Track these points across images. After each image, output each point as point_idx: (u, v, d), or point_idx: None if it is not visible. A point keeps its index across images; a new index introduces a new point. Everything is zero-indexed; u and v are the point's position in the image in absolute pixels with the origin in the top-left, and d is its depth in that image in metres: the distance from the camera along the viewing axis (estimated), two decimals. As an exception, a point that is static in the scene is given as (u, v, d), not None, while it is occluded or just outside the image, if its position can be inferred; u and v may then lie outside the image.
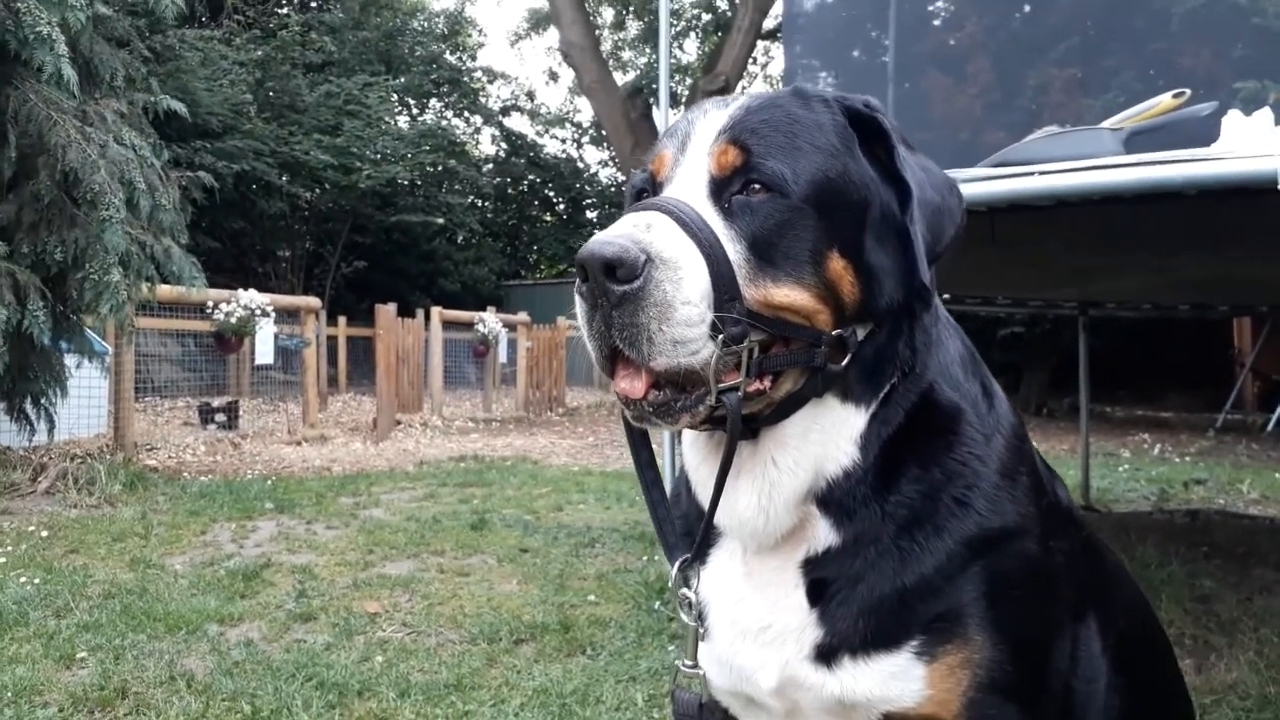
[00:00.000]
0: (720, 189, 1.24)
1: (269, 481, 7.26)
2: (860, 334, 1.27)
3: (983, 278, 5.39)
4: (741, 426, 1.21)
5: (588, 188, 31.16)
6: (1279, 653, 3.47)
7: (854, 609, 1.29)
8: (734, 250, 1.18)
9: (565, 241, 29.71)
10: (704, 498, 1.36)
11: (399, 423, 12.94)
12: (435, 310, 14.93)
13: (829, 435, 1.28)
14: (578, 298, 1.20)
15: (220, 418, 11.37)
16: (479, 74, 28.76)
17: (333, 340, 17.69)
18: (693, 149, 1.28)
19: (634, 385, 1.18)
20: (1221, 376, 14.81)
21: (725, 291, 1.15)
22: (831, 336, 1.22)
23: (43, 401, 7.15)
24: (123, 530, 5.34)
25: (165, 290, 8.33)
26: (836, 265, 1.23)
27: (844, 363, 1.25)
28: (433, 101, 26.87)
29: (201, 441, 9.97)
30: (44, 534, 5.19)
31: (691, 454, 1.42)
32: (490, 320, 15.50)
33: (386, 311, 13.12)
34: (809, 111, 1.30)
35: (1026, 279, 5.74)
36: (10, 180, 6.41)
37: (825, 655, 1.29)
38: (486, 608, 4.17)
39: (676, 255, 1.14)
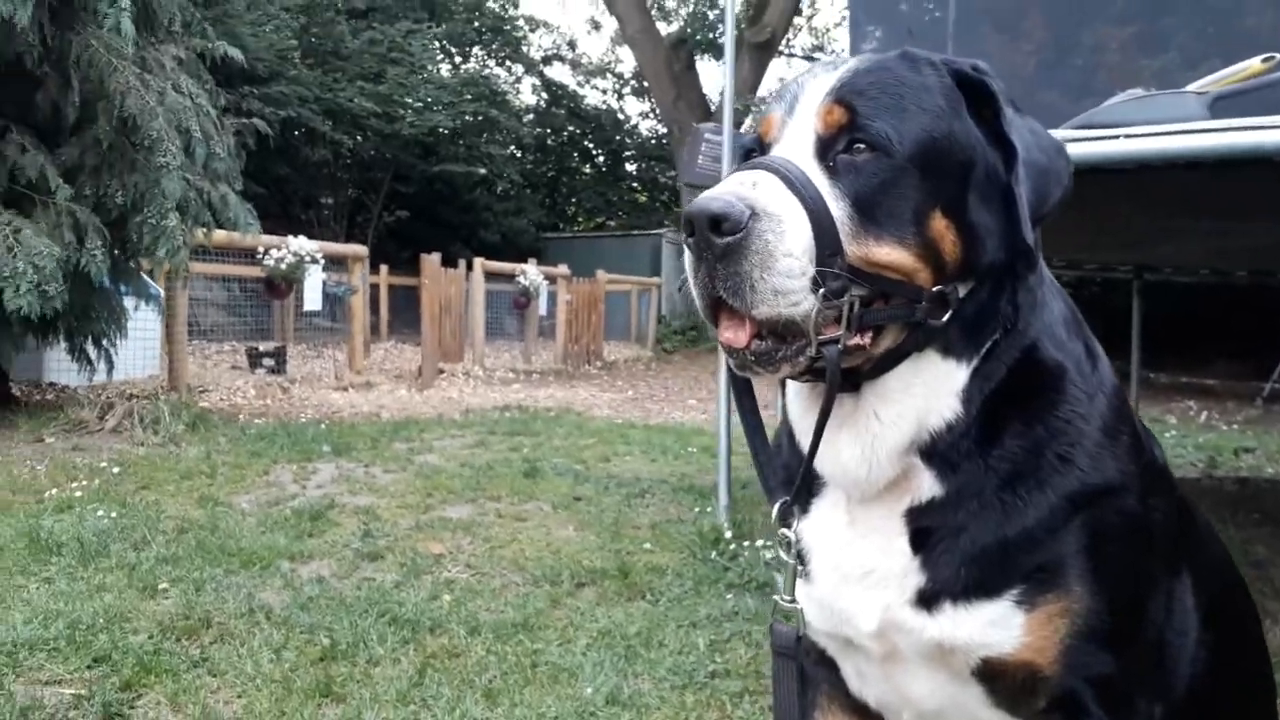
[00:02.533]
0: (826, 148, 1.26)
1: (323, 425, 7.43)
2: (961, 291, 1.29)
3: (1044, 239, 5.34)
4: (842, 379, 1.25)
5: (628, 139, 30.95)
6: (1335, 619, 3.49)
7: (957, 558, 1.32)
8: (837, 207, 1.21)
9: (604, 194, 29.64)
10: (806, 447, 1.40)
11: (442, 371, 13.10)
12: (478, 261, 15.04)
13: (931, 389, 1.31)
14: (685, 250, 1.25)
15: (268, 362, 11.58)
16: (520, 22, 28.54)
17: (374, 288, 17.84)
18: (800, 110, 1.31)
19: (737, 335, 1.22)
20: (1268, 345, 14.56)
21: (828, 247, 1.18)
22: (932, 293, 1.25)
23: (103, 342, 7.34)
24: (189, 469, 5.51)
25: (215, 235, 8.47)
26: (938, 224, 1.26)
27: (944, 319, 1.27)
28: (475, 50, 26.73)
29: (251, 385, 10.17)
30: (115, 470, 5.37)
31: (795, 406, 1.46)
32: (532, 272, 15.57)
33: (431, 261, 13.24)
34: (916, 74, 1.32)
35: (1088, 242, 5.69)
36: (74, 124, 6.52)
37: (926, 600, 1.33)
38: (546, 552, 4.29)
39: (780, 210, 1.18)
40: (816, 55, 30.55)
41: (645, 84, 27.28)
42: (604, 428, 8.59)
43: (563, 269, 16.98)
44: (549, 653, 3.18)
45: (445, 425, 8.17)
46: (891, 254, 1.23)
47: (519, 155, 27.34)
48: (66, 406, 6.80)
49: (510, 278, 15.66)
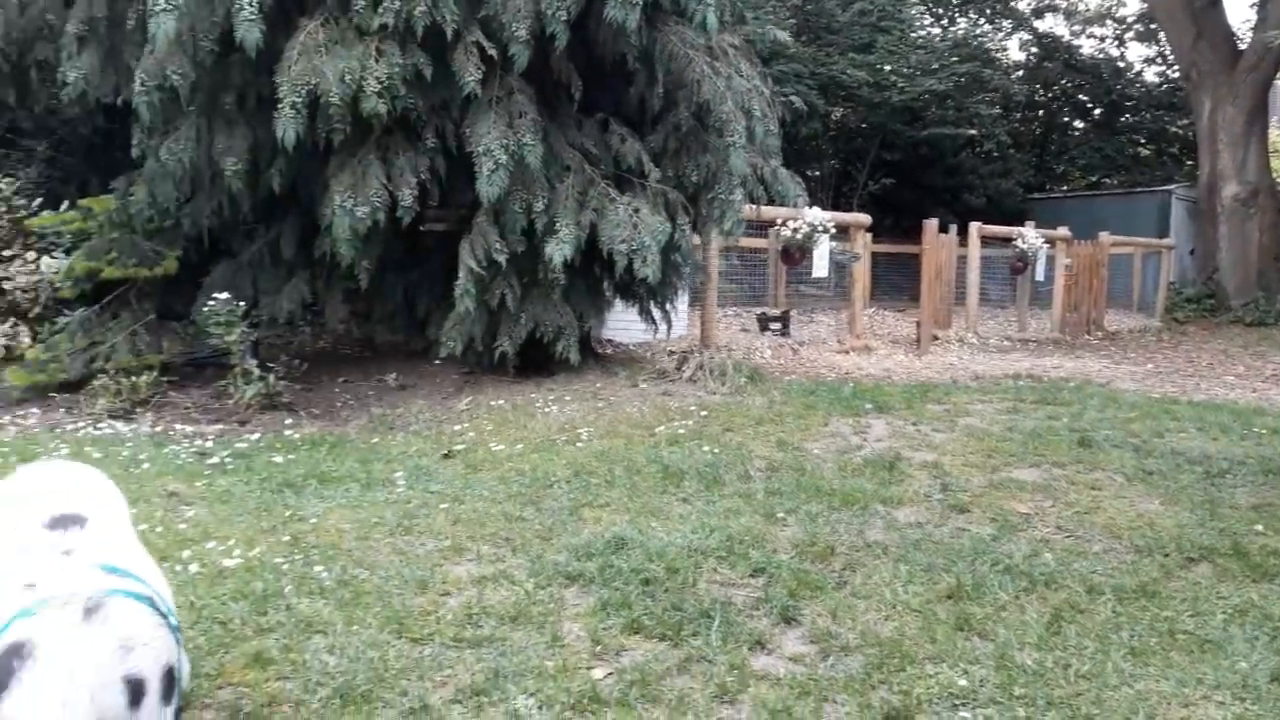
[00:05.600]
0: None
1: (850, 385, 7.81)
2: None
3: None
4: None
5: (1130, 89, 27.86)
6: None
7: None
8: None
9: (1100, 149, 27.01)
10: None
11: (935, 338, 13.02)
12: (974, 226, 14.61)
13: None
14: None
15: (775, 326, 12.40)
16: (1011, -26, 26.93)
17: (860, 256, 18.15)
18: None
19: None
20: None
21: None
22: None
23: (666, 306, 8.38)
24: (759, 416, 6.14)
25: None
26: None
27: None
28: (963, 9, 25.82)
29: (766, 346, 10.97)
30: (702, 414, 6.17)
31: None
32: (1030, 236, 14.77)
33: (930, 228, 13.16)
34: None
35: None
36: (657, 114, 7.48)
37: None
38: (1139, 522, 4.15)
39: None
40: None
41: (1152, 26, 24.37)
42: (1139, 401, 7.96)
43: (1063, 231, 15.89)
44: (1182, 622, 3.11)
45: (964, 391, 8.14)
46: None
47: (1006, 115, 25.95)
48: (654, 359, 7.92)
49: (1005, 241, 15.02)
